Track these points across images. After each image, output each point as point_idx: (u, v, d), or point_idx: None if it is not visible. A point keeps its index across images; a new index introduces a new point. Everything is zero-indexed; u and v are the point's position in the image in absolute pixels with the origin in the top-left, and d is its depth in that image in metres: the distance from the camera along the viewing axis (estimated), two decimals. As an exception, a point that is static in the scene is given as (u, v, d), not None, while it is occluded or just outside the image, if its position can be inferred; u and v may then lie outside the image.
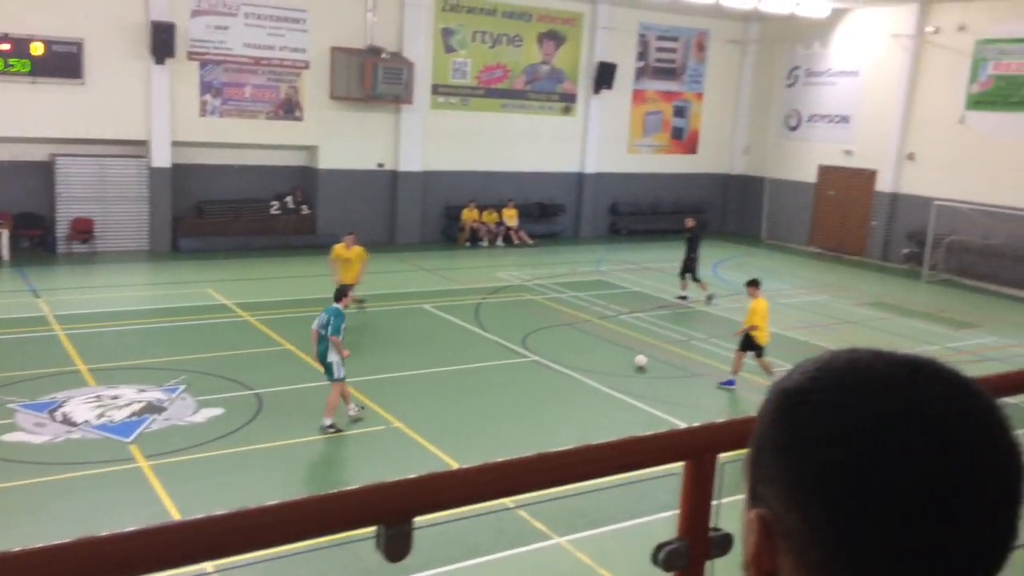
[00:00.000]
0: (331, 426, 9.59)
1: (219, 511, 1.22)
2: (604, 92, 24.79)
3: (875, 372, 0.79)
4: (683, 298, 17.07)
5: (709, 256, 22.64)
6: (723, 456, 1.60)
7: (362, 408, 10.22)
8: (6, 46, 17.61)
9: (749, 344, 11.82)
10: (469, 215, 22.96)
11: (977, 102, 21.37)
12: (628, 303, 16.68)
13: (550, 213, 24.78)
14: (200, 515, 1.22)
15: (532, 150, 24.25)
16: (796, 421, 0.79)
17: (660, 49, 26.03)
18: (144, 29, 18.85)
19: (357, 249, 14.44)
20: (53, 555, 1.12)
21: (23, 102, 17.98)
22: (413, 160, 22.52)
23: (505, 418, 10.51)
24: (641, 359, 12.56)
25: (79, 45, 18.38)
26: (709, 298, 16.91)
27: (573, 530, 7.51)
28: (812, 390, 0.80)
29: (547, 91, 24.43)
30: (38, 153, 18.88)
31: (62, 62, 18.25)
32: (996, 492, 0.74)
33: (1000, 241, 20.44)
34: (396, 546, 1.30)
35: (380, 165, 22.33)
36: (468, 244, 22.68)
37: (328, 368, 9.74)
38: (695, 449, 1.56)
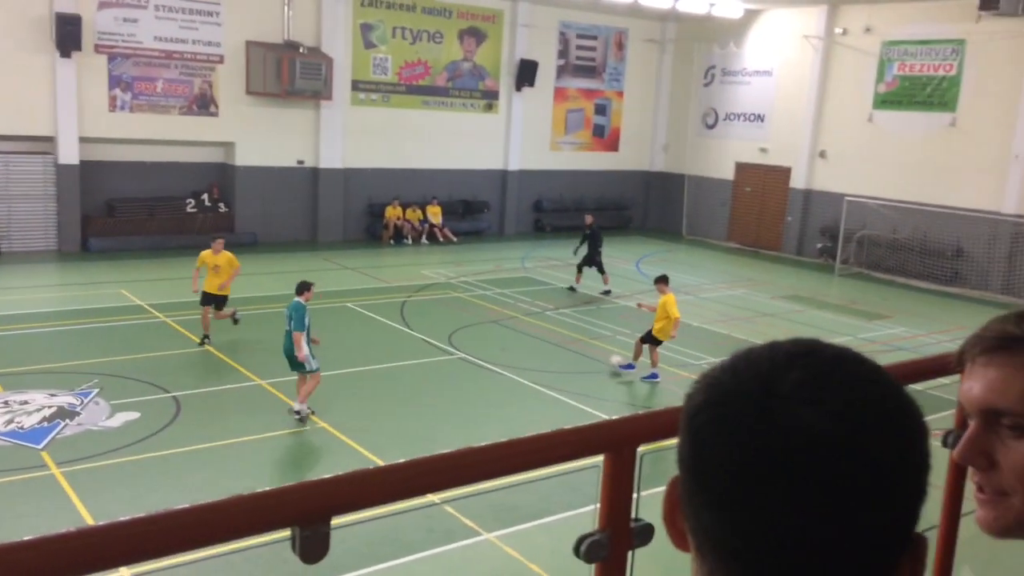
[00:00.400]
0: (298, 413, 9.68)
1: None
2: (526, 90, 24.90)
3: (747, 364, 0.82)
4: (572, 289, 17.57)
5: (632, 252, 23.01)
6: (642, 448, 1.62)
7: (312, 413, 10.02)
8: None
9: (651, 337, 12.07)
10: (392, 212, 22.77)
11: (884, 101, 22.24)
12: (553, 299, 16.81)
13: (474, 210, 24.77)
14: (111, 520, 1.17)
15: (455, 147, 24.19)
16: (689, 397, 0.85)
17: (580, 47, 26.29)
18: (48, 21, 18.10)
19: (226, 255, 13.04)
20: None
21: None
22: (334, 157, 22.21)
23: (432, 416, 10.46)
24: (616, 359, 12.58)
25: (-22, 36, 17.54)
26: (607, 292, 17.30)
27: (502, 525, 7.53)
28: (710, 372, 0.85)
29: (469, 88, 24.41)
30: (-66, 149, 17.94)
31: (-41, 54, 17.38)
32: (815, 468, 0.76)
33: (907, 235, 21.33)
34: (312, 548, 1.28)
35: (300, 162, 21.95)
36: (392, 242, 22.50)
37: (297, 365, 9.84)
38: (614, 442, 1.57)
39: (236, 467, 8.64)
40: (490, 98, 24.81)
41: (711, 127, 26.48)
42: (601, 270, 17.39)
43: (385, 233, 22.67)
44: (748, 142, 25.30)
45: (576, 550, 1.60)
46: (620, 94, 27.36)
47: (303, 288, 10.30)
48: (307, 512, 1.26)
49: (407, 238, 22.63)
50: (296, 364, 9.91)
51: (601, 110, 27.07)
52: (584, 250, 17.60)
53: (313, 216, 22.24)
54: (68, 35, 17.98)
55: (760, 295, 18.53)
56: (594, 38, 26.49)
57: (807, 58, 23.63)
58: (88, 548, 1.14)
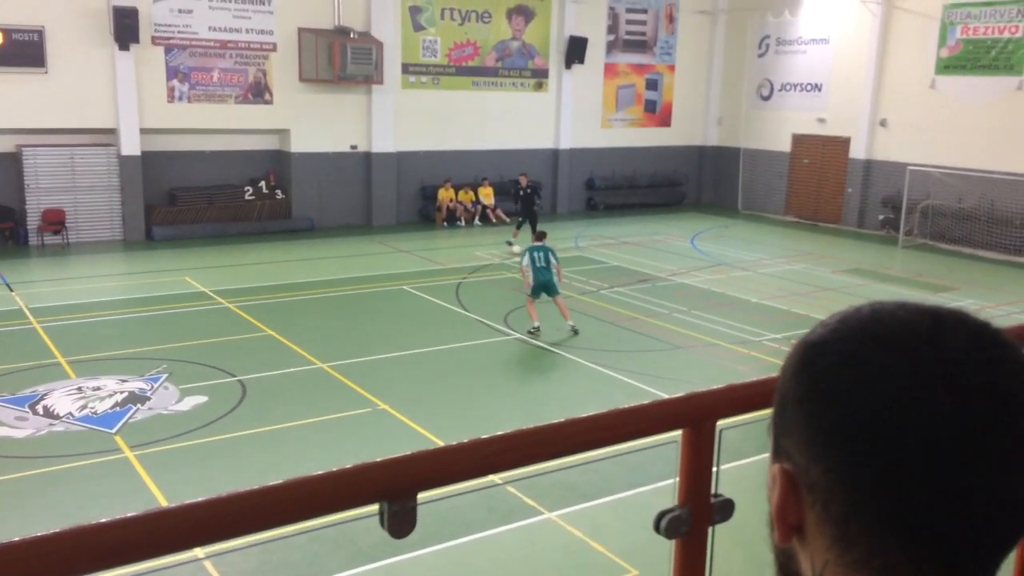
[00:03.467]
0: (573, 326, 12.67)
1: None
2: (576, 67, 24.69)
3: (897, 321, 0.78)
4: (510, 243, 18.94)
5: (687, 229, 22.76)
6: (722, 422, 1.61)
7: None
8: (-35, 36, 17.24)
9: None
10: (445, 195, 22.86)
11: (946, 66, 21.51)
12: (608, 278, 16.72)
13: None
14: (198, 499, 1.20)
15: (506, 127, 24.14)
16: (817, 372, 0.78)
17: (630, 22, 25.94)
18: (106, 15, 18.50)
19: None
20: (49, 544, 1.10)
21: (-15, 93, 17.63)
22: (386, 141, 22.35)
23: (491, 396, 10.53)
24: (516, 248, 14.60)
25: (40, 33, 18.02)
26: (509, 244, 18.79)
27: (564, 504, 7.55)
28: (833, 340, 0.80)
29: (519, 67, 24.29)
30: (4, 144, 18.54)
31: (23, 51, 17.90)
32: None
33: (973, 204, 20.67)
34: (400, 523, 1.29)
35: (353, 147, 22.15)
36: (445, 224, 22.60)
37: (553, 290, 12.60)
38: (694, 417, 1.56)
39: (301, 449, 8.81)
40: (540, 76, 24.67)
41: (766, 98, 25.94)
42: (521, 224, 19.10)
43: (438, 215, 22.78)
44: (805, 113, 24.73)
45: (656, 526, 1.60)
46: (671, 68, 26.95)
47: (543, 235, 13.42)
48: (395, 487, 1.28)
49: (460, 220, 22.70)
50: (552, 290, 12.55)
51: (652, 85, 26.72)
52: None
53: (367, 200, 22.45)
54: (126, 28, 18.38)
55: (820, 269, 18.17)
56: (644, 12, 26.11)
57: (865, 24, 22.95)
58: (179, 527, 1.17)
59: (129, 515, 1.15)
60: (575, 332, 12.66)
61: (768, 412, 1.65)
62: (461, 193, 23.05)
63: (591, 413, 1.50)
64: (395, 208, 22.68)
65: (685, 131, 27.51)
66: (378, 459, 1.29)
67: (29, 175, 18.52)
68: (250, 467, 8.33)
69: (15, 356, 11.25)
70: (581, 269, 17.54)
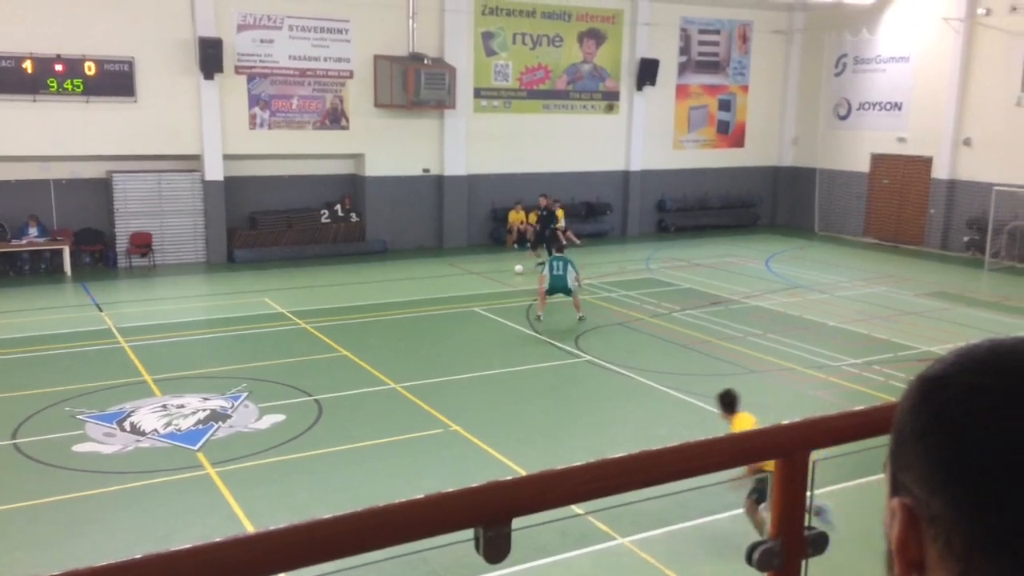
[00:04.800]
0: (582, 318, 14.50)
1: (307, 518, 1.24)
2: (647, 89, 24.63)
3: (1018, 355, 0.77)
4: (542, 264, 18.44)
5: (761, 250, 22.38)
6: (816, 453, 1.58)
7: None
8: (60, 67, 18.14)
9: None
10: (516, 217, 22.98)
11: (1035, 83, 20.73)
12: (680, 300, 16.55)
13: (597, 212, 24.70)
14: (290, 522, 1.24)
15: (577, 149, 24.21)
16: (938, 405, 0.78)
17: (703, 43, 25.79)
18: (192, 45, 19.27)
19: None
20: (168, 561, 1.14)
21: (78, 121, 18.51)
22: (458, 164, 22.64)
23: (561, 419, 10.50)
24: (519, 268, 15.84)
25: (130, 63, 18.87)
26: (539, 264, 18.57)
27: (637, 530, 7.46)
28: (953, 374, 0.79)
29: (590, 90, 24.37)
30: (95, 170, 19.41)
31: (114, 81, 18.74)
32: None
33: (1064, 225, 19.81)
34: (495, 548, 1.31)
35: (426, 170, 22.49)
36: (516, 246, 22.69)
37: (568, 290, 14.46)
38: (788, 447, 1.54)
39: (376, 468, 8.92)
40: (611, 99, 24.69)
41: (843, 118, 25.41)
42: (534, 247, 19.84)
43: (509, 237, 22.90)
44: (884, 132, 24.13)
45: (748, 558, 1.58)
46: (745, 88, 26.66)
47: (561, 248, 15.30)
48: (491, 513, 1.30)
49: (530, 242, 22.77)
50: (568, 292, 14.50)
51: (725, 105, 26.47)
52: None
53: (439, 222, 22.75)
54: (211, 58, 19.11)
55: (902, 292, 17.63)
56: (717, 32, 25.93)
57: (947, 42, 22.33)
58: (282, 548, 1.20)
59: (230, 537, 1.19)
60: (580, 319, 14.65)
61: (865, 443, 1.61)
62: (532, 215, 23.14)
63: (686, 441, 1.49)
64: (466, 230, 22.91)
65: (759, 151, 27.13)
66: (473, 484, 1.31)
67: (118, 200, 19.34)
68: (327, 485, 8.47)
69: (104, 374, 11.71)
70: (652, 291, 17.40)
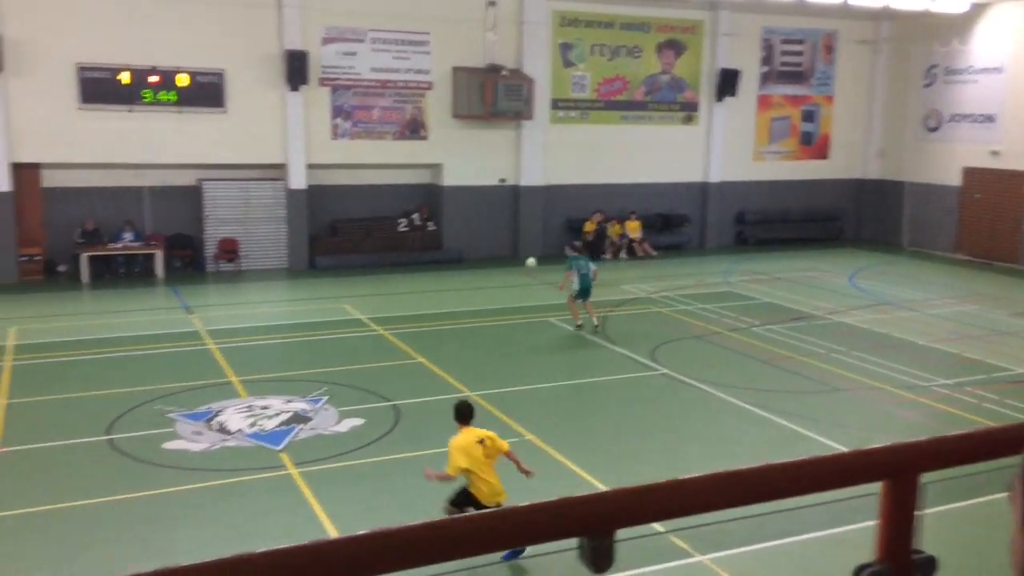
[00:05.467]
0: (596, 326, 14.71)
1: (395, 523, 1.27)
2: (727, 99, 24.31)
3: None
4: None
5: (844, 266, 21.80)
6: (926, 476, 1.55)
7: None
8: (155, 78, 18.92)
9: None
10: (591, 228, 22.92)
11: None
12: (759, 315, 16.24)
13: (674, 224, 24.47)
14: (400, 524, 1.27)
15: (654, 161, 24.04)
16: None
17: (786, 52, 25.33)
18: (279, 58, 19.86)
19: None
20: (289, 557, 1.19)
21: (171, 131, 19.26)
22: (534, 174, 22.73)
23: (637, 432, 10.41)
24: (531, 261, 16.27)
25: (221, 75, 19.55)
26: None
27: (716, 548, 7.35)
28: None
29: (668, 101, 24.18)
30: (186, 178, 20.15)
31: (205, 92, 19.45)
32: None
33: None
34: (600, 557, 1.33)
35: (502, 181, 22.65)
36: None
37: (589, 293, 14.72)
38: (896, 468, 1.51)
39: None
40: (689, 110, 24.45)
41: (933, 130, 24.59)
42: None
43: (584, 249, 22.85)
44: (977, 145, 23.25)
45: (852, 577, 1.55)
46: (829, 99, 26.06)
47: (583, 248, 16.11)
48: (596, 523, 1.31)
49: (606, 253, 22.69)
50: (588, 295, 14.70)
51: (809, 116, 25.91)
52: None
53: (514, 233, 22.86)
54: (296, 70, 19.66)
55: (996, 311, 16.93)
56: (801, 42, 25.44)
57: (1046, 50, 21.41)
58: (408, 545, 1.24)
59: (352, 535, 1.23)
60: (596, 329, 14.72)
61: (977, 467, 1.57)
62: (590, 224, 23.06)
63: (728, 458, 1.48)
64: (541, 240, 22.96)
65: (843, 164, 26.47)
66: (578, 494, 1.33)
67: (208, 206, 20.04)
68: (406, 489, 8.58)
69: (193, 374, 12.14)
70: (730, 305, 17.12)
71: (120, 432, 9.99)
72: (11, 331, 14.31)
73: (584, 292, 14.79)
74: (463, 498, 7.42)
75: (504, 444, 7.53)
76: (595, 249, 19.71)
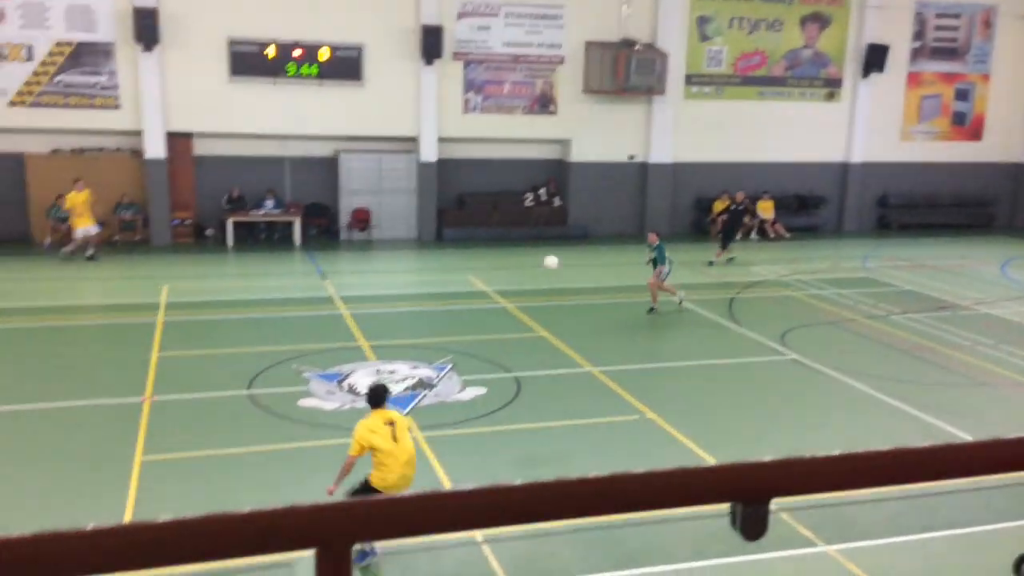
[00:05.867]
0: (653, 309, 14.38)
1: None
2: (874, 76, 23.09)
3: None
4: (710, 263, 18.53)
5: (996, 254, 20.43)
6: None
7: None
8: (298, 52, 19.64)
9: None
10: (721, 207, 22.34)
11: None
12: (900, 303, 15.45)
13: (810, 205, 23.54)
14: (537, 479, 1.27)
15: (791, 139, 23.15)
16: None
17: (940, 28, 23.78)
18: (415, 33, 20.22)
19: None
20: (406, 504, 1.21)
21: (312, 103, 19.98)
22: (664, 151, 22.32)
23: (762, 417, 10.14)
24: (551, 260, 15.24)
25: (360, 50, 20.09)
26: (729, 260, 18.59)
27: (843, 539, 7.09)
28: None
29: (809, 76, 23.18)
30: (325, 149, 20.90)
31: (345, 66, 20.05)
32: None
33: None
34: (753, 525, 1.29)
35: (631, 157, 22.36)
36: (719, 237, 22.07)
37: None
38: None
39: (574, 447, 9.04)
40: (832, 86, 23.37)
41: (1105, 110, 22.57)
42: (723, 245, 18.63)
43: (712, 228, 22.32)
44: None
45: (1016, 568, 1.46)
46: (985, 77, 24.33)
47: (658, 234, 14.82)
48: (751, 490, 1.28)
49: (736, 233, 22.06)
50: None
51: (962, 95, 24.29)
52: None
53: (641, 210, 22.56)
54: (431, 45, 19.98)
55: None
56: (956, 17, 23.81)
57: None
58: (532, 501, 1.24)
59: (464, 488, 1.23)
60: (653, 310, 14.47)
61: None
62: (719, 203, 22.41)
63: (858, 445, 1.40)
64: (668, 219, 22.57)
65: (999, 146, 24.69)
66: (732, 462, 1.30)
67: (343, 177, 20.73)
68: (526, 459, 8.68)
69: (326, 337, 12.66)
70: (868, 291, 16.36)
71: (260, 388, 10.54)
72: (164, 289, 15.30)
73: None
74: (362, 490, 6.82)
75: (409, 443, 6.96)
76: (731, 231, 18.99)
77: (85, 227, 17.39)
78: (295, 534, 1.08)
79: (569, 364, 11.80)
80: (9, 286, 15.28)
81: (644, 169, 22.36)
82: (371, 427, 6.89)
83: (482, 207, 21.63)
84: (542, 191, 22.19)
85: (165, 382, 10.64)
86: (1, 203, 18.93)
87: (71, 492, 7.86)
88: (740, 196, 19.62)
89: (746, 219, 20.24)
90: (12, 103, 18.59)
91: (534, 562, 6.82)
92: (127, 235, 19.66)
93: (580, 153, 21.97)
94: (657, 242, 14.58)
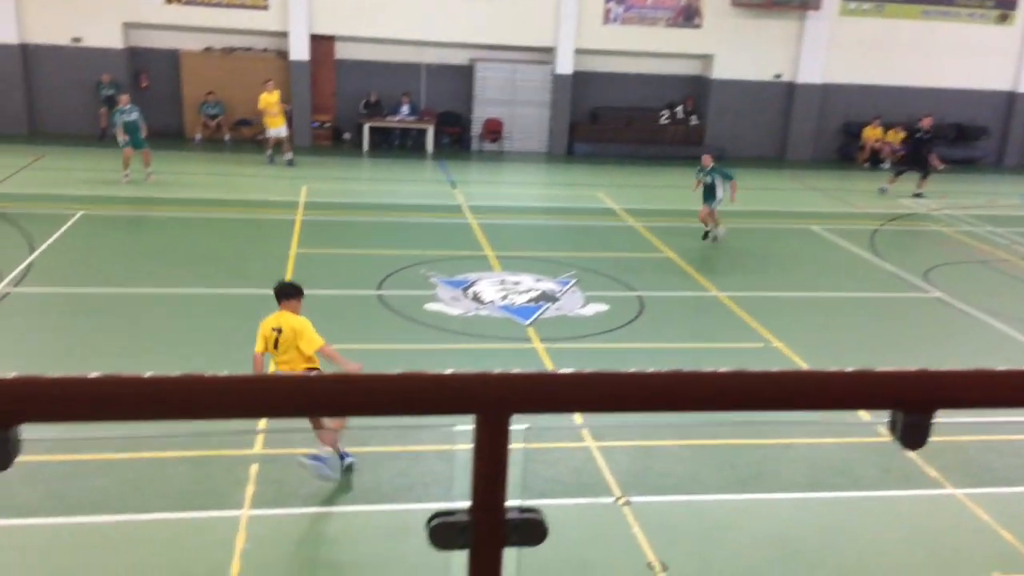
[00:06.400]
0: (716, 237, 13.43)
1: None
2: (1060, -6, 20.91)
3: None
4: (918, 195, 17.28)
5: None
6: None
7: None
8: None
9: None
10: (871, 133, 21.09)
11: None
12: (1062, 245, 14.30)
13: (969, 136, 21.89)
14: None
15: (954, 64, 21.43)
16: None
17: None
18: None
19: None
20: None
21: (450, 10, 19.87)
22: (813, 71, 21.12)
23: (897, 354, 9.70)
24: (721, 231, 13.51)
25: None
26: (916, 195, 17.32)
27: (972, 483, 6.79)
28: None
29: (984, -6, 21.24)
30: (460, 57, 20.86)
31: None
32: None
33: None
34: (914, 435, 1.23)
35: (777, 76, 21.29)
36: (867, 165, 20.92)
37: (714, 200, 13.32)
38: None
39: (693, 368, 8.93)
40: (1005, 7, 21.34)
41: None
42: (906, 171, 17.61)
43: (860, 155, 21.16)
44: None
45: None
46: None
47: (714, 158, 13.77)
48: (914, 399, 1.21)
49: (885, 162, 20.85)
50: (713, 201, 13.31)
51: None
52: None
53: (783, 132, 21.58)
54: (574, -49, 19.37)
55: None
56: None
57: None
58: (689, 389, 1.21)
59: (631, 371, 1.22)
60: (708, 235, 13.59)
61: None
62: (890, 132, 21.08)
63: None
64: (812, 143, 21.53)
65: None
66: (895, 368, 1.23)
67: (478, 87, 20.69)
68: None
69: (454, 245, 12.88)
70: (1027, 232, 15.21)
71: (388, 289, 10.89)
72: (303, 188, 15.89)
73: (706, 200, 13.47)
74: None
75: (311, 342, 6.37)
76: (916, 159, 17.46)
77: (276, 128, 17.54)
78: (457, 399, 1.10)
79: (694, 287, 11.60)
80: (166, 177, 16.23)
81: (790, 89, 21.28)
82: (263, 326, 6.48)
83: (615, 123, 21.20)
84: (679, 109, 21.51)
85: (300, 278, 11.11)
86: (157, 98, 19.96)
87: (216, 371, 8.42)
88: (926, 122, 17.62)
89: (930, 157, 17.59)
90: (168, 1, 19.36)
91: (644, 477, 6.87)
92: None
93: (723, 70, 21.07)
94: (712, 165, 13.42)
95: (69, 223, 12.78)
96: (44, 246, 11.69)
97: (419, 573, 5.48)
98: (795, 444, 7.45)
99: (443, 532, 1.15)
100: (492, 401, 1.14)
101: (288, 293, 6.59)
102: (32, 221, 12.72)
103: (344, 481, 6.49)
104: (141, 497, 6.20)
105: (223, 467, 6.64)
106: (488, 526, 1.14)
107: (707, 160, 13.57)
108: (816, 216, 15.64)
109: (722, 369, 1.29)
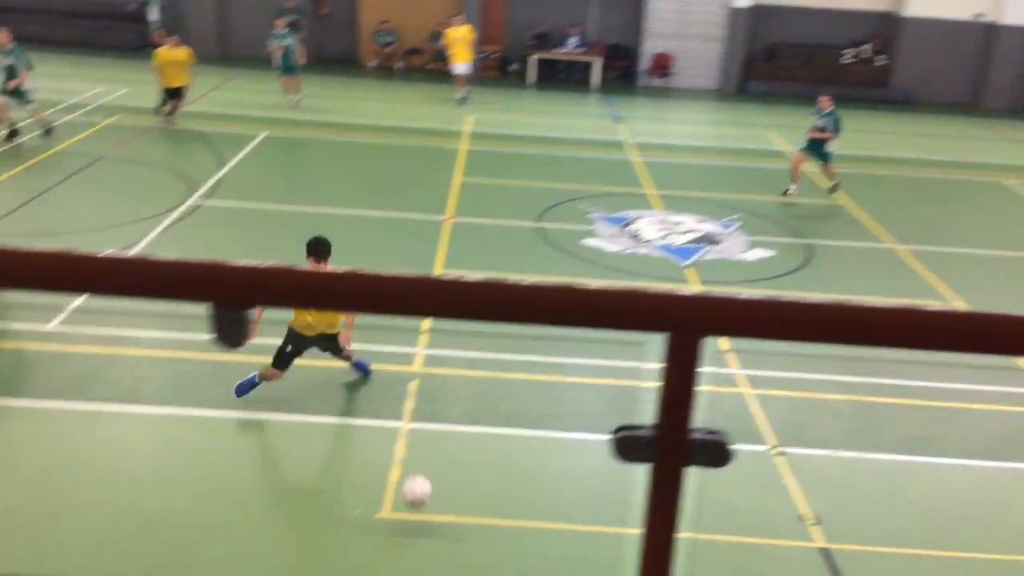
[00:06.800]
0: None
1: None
2: None
3: None
4: None
5: None
6: None
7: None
8: None
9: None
10: (1087, 81, 18.95)
11: None
12: None
13: None
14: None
15: None
16: None
17: None
18: None
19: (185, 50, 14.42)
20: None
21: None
22: (1020, 11, 19.10)
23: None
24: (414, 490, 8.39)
25: None
26: None
27: None
28: None
29: None
30: (632, -11, 20.24)
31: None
32: None
33: None
34: None
35: (978, 15, 19.42)
36: (1077, 116, 18.88)
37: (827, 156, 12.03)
38: None
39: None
40: None
41: None
42: None
43: (1070, 105, 19.11)
44: None
45: None
46: None
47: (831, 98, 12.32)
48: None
49: (1099, 114, 18.75)
50: (826, 157, 12.08)
51: None
52: None
53: (981, 78, 19.77)
54: None
55: None
56: None
57: None
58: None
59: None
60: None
61: None
62: None
63: None
64: (1013, 90, 19.62)
65: None
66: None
67: (649, 19, 20.08)
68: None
69: (614, 181, 12.74)
70: None
71: (548, 222, 10.95)
72: (469, 119, 16.10)
73: (811, 152, 12.14)
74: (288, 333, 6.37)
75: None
76: None
77: (460, 64, 17.09)
78: (651, 317, 1.10)
79: (869, 238, 10.98)
80: (341, 104, 16.87)
81: (992, 31, 19.38)
82: None
83: (793, 60, 20.09)
84: (865, 47, 20.08)
85: (465, 205, 11.38)
86: (335, 24, 20.61)
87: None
88: None
89: None
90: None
91: (802, 429, 6.69)
92: (440, 64, 20.69)
93: (917, 7, 19.44)
94: (830, 107, 12.03)
95: (254, 143, 13.58)
96: (232, 163, 12.51)
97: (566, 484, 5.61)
98: (965, 409, 7.01)
99: (627, 444, 1.16)
100: (685, 321, 1.13)
101: (325, 252, 6.37)
102: (221, 139, 13.61)
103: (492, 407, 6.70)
104: (318, 401, 6.66)
105: (385, 383, 7.00)
106: (673, 443, 1.15)
107: (826, 102, 12.11)
108: (1010, 169, 14.36)
109: (923, 307, 1.23)
